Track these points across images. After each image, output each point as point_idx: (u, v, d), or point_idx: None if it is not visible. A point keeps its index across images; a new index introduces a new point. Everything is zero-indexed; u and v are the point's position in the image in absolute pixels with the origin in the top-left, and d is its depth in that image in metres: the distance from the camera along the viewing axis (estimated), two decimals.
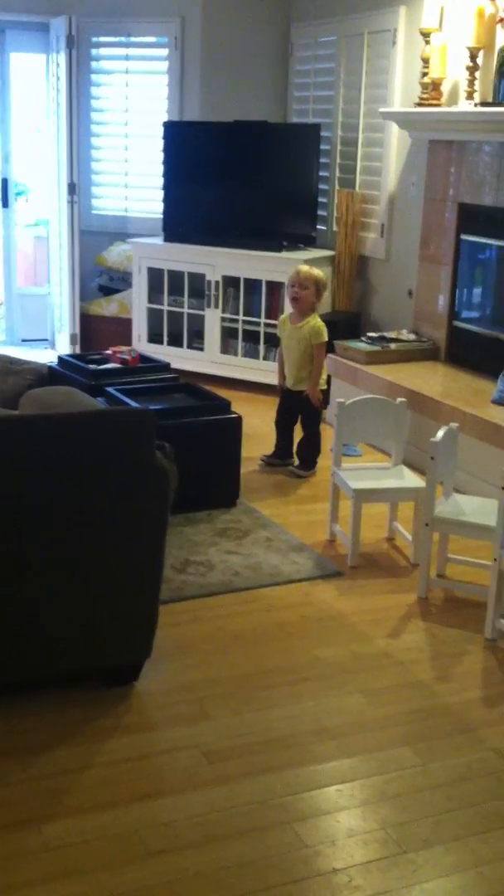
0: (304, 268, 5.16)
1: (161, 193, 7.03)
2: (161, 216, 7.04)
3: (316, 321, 5.10)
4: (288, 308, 6.16)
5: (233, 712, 3.01)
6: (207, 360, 6.83)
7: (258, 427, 5.35)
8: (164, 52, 7.26)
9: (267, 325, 6.58)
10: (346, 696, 3.13)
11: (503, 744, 2.91)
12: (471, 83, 5.41)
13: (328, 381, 5.39)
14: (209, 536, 4.26)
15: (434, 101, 5.71)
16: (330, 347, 6.04)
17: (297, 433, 5.21)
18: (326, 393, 5.32)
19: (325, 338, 5.10)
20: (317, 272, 5.12)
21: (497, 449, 4.63)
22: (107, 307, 7.44)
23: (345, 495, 4.23)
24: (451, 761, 2.83)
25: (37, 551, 2.82)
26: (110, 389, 4.61)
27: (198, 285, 6.80)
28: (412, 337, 6.02)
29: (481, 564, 3.90)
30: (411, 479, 4.26)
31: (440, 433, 3.79)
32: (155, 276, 6.98)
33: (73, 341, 7.36)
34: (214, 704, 3.05)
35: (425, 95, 5.75)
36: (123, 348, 5.23)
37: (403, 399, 4.41)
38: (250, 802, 2.61)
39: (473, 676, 3.30)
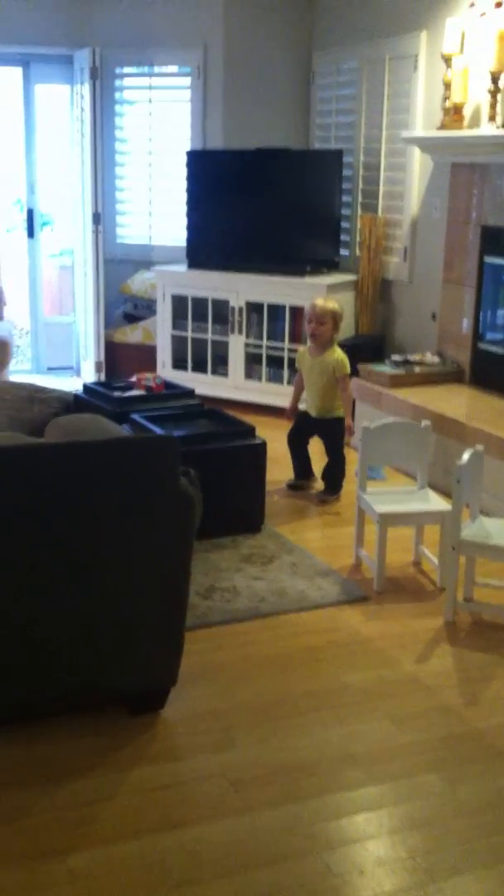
0: (320, 302, 5.17)
1: (185, 221, 7.07)
2: (185, 244, 7.08)
3: (337, 353, 5.12)
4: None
5: (259, 740, 2.99)
6: (231, 385, 6.84)
7: (282, 452, 5.33)
8: (187, 80, 7.33)
9: (290, 350, 6.58)
10: (373, 721, 3.11)
11: None
12: (493, 106, 5.42)
13: (353, 407, 5.41)
14: (234, 562, 4.25)
15: (456, 125, 5.72)
16: (354, 371, 6.04)
17: (313, 453, 5.23)
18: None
19: (349, 369, 5.12)
20: (332, 305, 5.14)
21: None
22: (131, 335, 7.48)
23: (370, 519, 4.21)
24: (481, 788, 2.79)
25: (61, 578, 2.82)
26: (135, 416, 4.63)
27: (221, 311, 6.82)
28: (436, 360, 6.00)
29: None
30: (437, 503, 4.23)
31: (465, 456, 3.77)
32: (179, 303, 7.01)
33: (98, 369, 7.40)
34: (241, 732, 3.03)
35: (447, 119, 5.76)
36: (148, 375, 5.25)
37: (428, 422, 4.39)
38: (278, 831, 2.58)
39: (502, 701, 3.26)
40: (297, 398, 5.29)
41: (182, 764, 2.88)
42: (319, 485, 5.16)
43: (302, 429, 5.23)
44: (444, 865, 2.47)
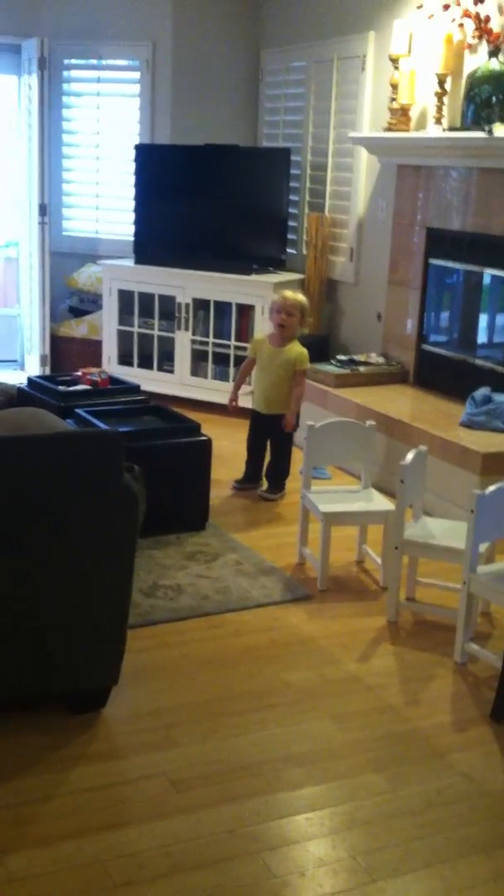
0: (290, 294, 5.13)
1: (132, 215, 7.03)
2: (132, 238, 7.03)
3: (299, 347, 5.08)
4: (259, 328, 6.18)
5: (201, 739, 2.98)
6: (177, 382, 6.81)
7: (228, 449, 5.33)
8: (136, 74, 7.28)
9: (237, 347, 6.58)
10: (315, 721, 3.11)
11: (473, 769, 2.90)
12: (439, 109, 5.46)
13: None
14: (178, 560, 4.23)
15: (403, 127, 5.75)
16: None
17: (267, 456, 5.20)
18: (297, 416, 5.30)
19: (308, 364, 5.10)
20: (301, 298, 5.11)
21: (465, 472, 4.64)
22: (77, 329, 7.42)
23: (314, 518, 4.21)
24: (421, 787, 2.80)
25: (0, 573, 2.78)
26: (80, 411, 4.59)
27: (168, 307, 6.79)
28: (381, 360, 6.03)
29: (451, 588, 3.90)
30: (381, 502, 4.25)
31: (409, 456, 3.79)
32: (125, 297, 6.96)
33: (42, 363, 7.32)
34: (182, 731, 3.01)
35: (394, 121, 5.79)
36: (93, 370, 5.22)
37: (373, 422, 4.41)
38: (218, 832, 2.57)
39: (443, 701, 3.29)
40: (240, 385, 5.23)
41: (122, 763, 2.86)
42: (264, 484, 5.16)
43: (259, 430, 5.15)
44: (384, 865, 2.48)
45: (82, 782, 2.74)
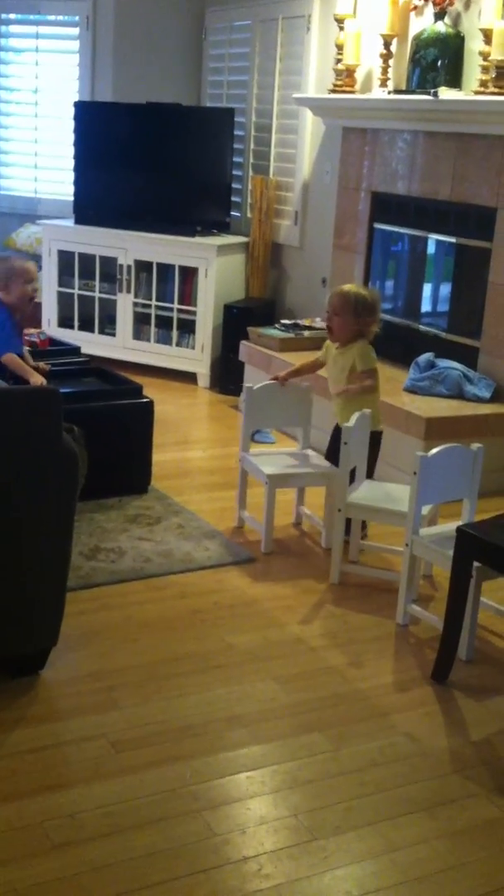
0: (340, 287, 4.27)
1: (72, 175, 6.89)
2: (72, 198, 6.90)
3: (362, 344, 4.12)
4: (203, 291, 6.08)
5: (142, 701, 2.94)
6: (119, 345, 6.72)
7: (170, 414, 5.27)
8: (75, 30, 7.12)
9: (180, 310, 6.50)
10: (258, 682, 3.09)
11: (415, 729, 2.91)
12: (384, 70, 5.42)
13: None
14: (120, 523, 4.18)
15: (348, 88, 5.70)
16: (244, 335, 6.00)
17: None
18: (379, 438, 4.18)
19: (374, 364, 4.11)
20: (350, 289, 4.18)
21: (408, 436, 4.64)
22: None
23: (254, 481, 4.18)
24: (363, 747, 2.80)
25: None
26: None
27: (109, 269, 6.68)
28: (325, 325, 5.99)
29: (393, 550, 3.90)
30: (321, 464, 4.22)
31: (353, 418, 3.78)
32: (65, 259, 6.84)
33: None
34: (124, 693, 2.97)
35: (339, 82, 5.73)
36: (32, 330, 5.12)
37: (308, 383, 4.37)
38: (159, 792, 2.54)
39: (385, 662, 3.29)
40: (292, 373, 4.35)
41: (62, 725, 2.82)
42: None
43: (336, 446, 4.01)
44: (326, 824, 2.47)
45: (21, 745, 2.69)
